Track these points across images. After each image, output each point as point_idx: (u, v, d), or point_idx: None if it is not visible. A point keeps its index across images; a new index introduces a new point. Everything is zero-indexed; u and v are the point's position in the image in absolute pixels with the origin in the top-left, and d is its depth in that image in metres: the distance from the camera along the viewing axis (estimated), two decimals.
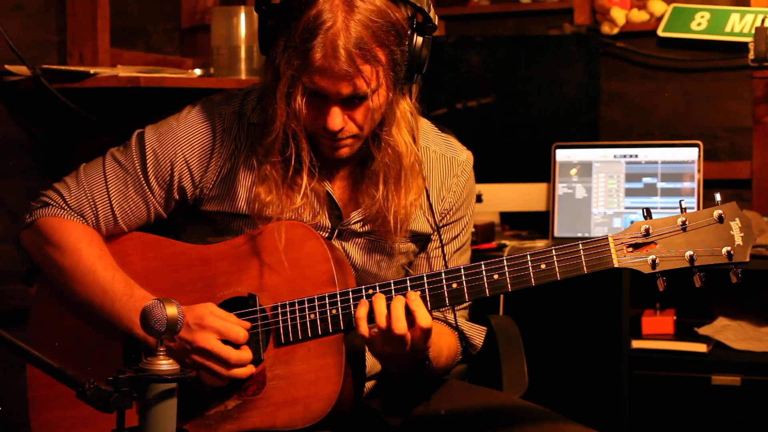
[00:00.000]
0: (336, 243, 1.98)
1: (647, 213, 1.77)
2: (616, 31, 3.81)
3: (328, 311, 1.86)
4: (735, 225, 1.75)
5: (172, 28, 3.40)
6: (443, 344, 1.99)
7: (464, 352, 2.09)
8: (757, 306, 3.38)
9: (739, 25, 3.62)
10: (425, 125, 2.06)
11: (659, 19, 3.76)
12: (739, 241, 1.74)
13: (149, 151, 1.97)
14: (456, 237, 2.08)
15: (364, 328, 1.79)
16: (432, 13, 1.85)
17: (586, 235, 3.31)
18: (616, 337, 3.18)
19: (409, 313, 1.78)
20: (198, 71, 3.08)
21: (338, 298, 1.85)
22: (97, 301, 1.92)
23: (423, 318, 1.78)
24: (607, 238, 1.77)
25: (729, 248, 1.73)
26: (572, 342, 3.61)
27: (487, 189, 3.47)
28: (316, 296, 1.86)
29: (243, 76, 2.98)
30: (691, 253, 1.74)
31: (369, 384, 2.05)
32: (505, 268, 1.79)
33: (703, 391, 3.25)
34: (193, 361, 1.86)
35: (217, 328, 1.85)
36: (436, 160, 2.04)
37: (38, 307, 2.04)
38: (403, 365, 1.89)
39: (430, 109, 2.02)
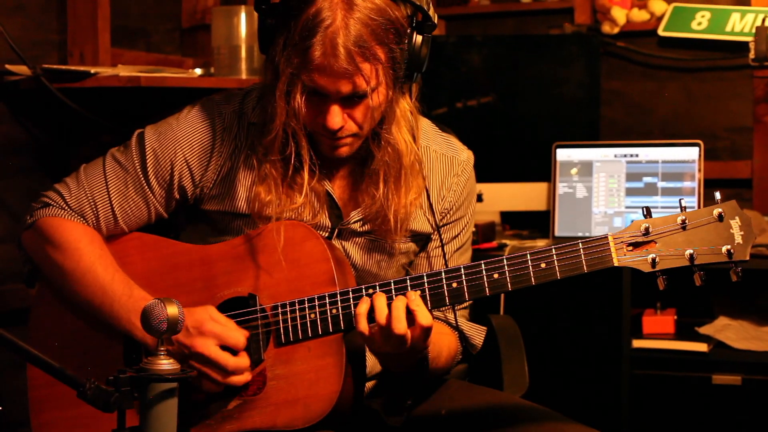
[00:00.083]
0: (336, 242, 1.98)
1: (647, 212, 1.77)
2: (616, 30, 3.80)
3: (329, 311, 1.86)
4: (735, 223, 1.74)
5: (172, 27, 3.39)
6: (443, 344, 1.99)
7: (464, 352, 2.09)
8: (757, 305, 3.38)
9: (740, 24, 3.62)
10: (426, 125, 2.05)
11: (660, 18, 3.76)
12: (739, 239, 1.74)
13: (149, 151, 1.97)
14: (456, 236, 2.07)
15: (363, 325, 1.79)
16: (431, 12, 1.85)
17: (587, 234, 3.31)
18: (616, 337, 3.18)
19: (410, 313, 1.78)
20: (198, 71, 3.07)
21: (338, 298, 1.85)
22: (96, 302, 1.92)
23: (423, 317, 1.78)
24: (607, 237, 1.76)
25: (729, 246, 1.73)
26: (573, 341, 3.61)
27: (487, 188, 3.47)
28: (316, 296, 1.86)
29: (243, 76, 2.98)
30: (691, 251, 1.73)
31: (369, 384, 2.05)
32: (505, 267, 1.79)
33: (703, 391, 3.25)
34: (191, 366, 1.85)
35: (216, 334, 1.85)
36: (437, 160, 2.04)
37: (39, 307, 2.04)
38: (403, 364, 1.88)
39: (430, 108, 2.01)
